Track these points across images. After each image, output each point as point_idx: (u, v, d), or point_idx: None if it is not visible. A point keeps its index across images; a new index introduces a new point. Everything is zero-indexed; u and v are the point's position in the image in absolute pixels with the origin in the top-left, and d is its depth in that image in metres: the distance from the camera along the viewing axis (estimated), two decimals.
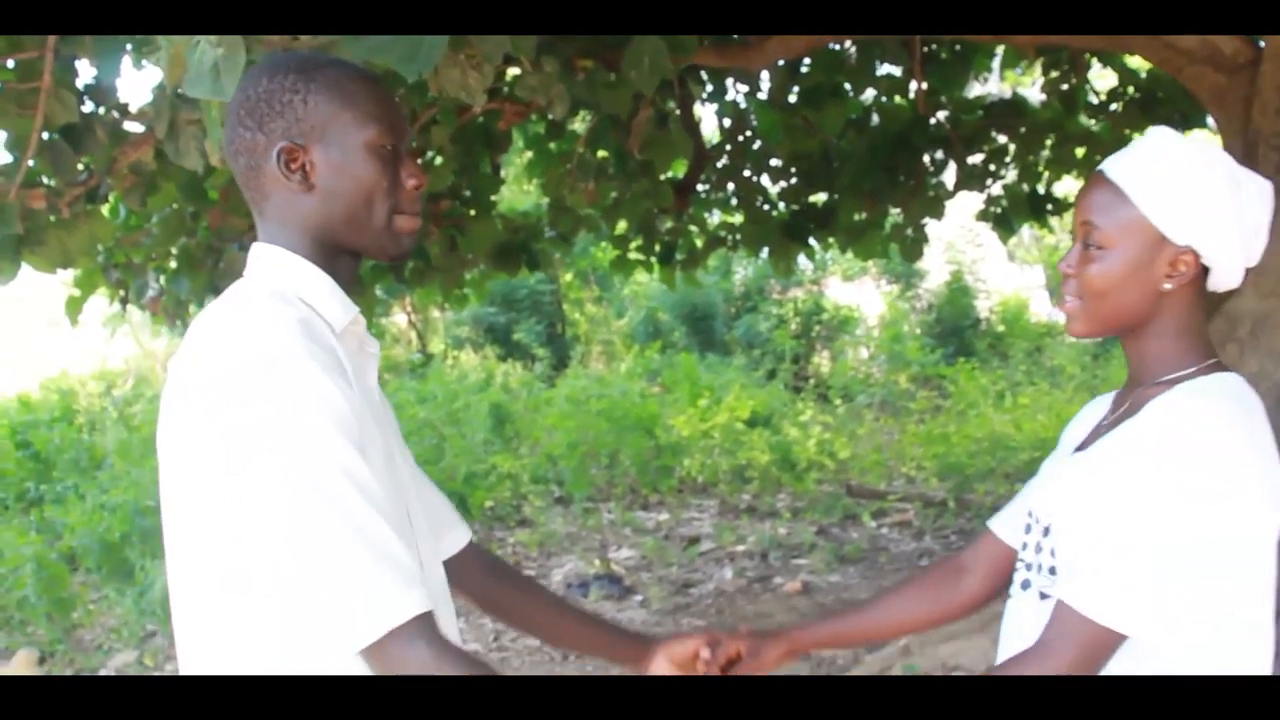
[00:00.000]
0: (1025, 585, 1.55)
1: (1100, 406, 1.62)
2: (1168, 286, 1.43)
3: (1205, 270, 1.43)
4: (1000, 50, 5.87)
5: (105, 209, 4.04)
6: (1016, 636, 1.53)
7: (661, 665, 1.73)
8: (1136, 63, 5.61)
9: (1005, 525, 1.71)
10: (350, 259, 1.43)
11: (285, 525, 1.18)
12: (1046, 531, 1.49)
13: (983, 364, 11.83)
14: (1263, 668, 1.40)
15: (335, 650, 1.19)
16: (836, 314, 14.21)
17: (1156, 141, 1.43)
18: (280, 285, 1.35)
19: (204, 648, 1.29)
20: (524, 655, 5.07)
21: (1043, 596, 1.48)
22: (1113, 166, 1.44)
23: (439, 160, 4.81)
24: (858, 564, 6.34)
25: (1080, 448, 1.55)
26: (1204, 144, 1.44)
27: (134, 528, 6.14)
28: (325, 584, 1.18)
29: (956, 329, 13.70)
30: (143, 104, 3.29)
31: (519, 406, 9.86)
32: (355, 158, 1.36)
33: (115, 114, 3.35)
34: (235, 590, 1.24)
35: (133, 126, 3.43)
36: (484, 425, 8.97)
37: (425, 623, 1.21)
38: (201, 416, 1.22)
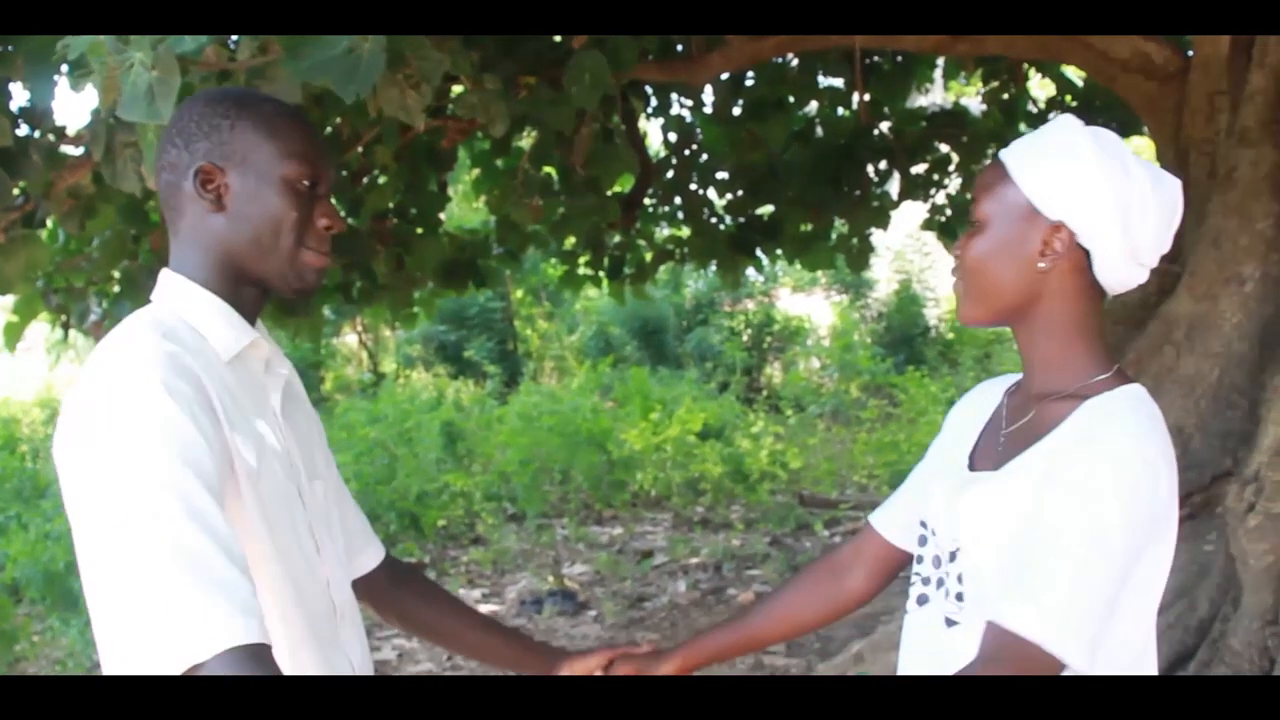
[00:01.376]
0: (922, 600, 1.51)
1: (987, 402, 1.56)
2: (1042, 265, 1.37)
3: (1088, 257, 1.37)
4: (941, 61, 5.95)
5: (43, 233, 3.99)
6: (919, 655, 1.50)
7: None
8: (1074, 72, 5.71)
9: (890, 525, 1.67)
10: (254, 290, 1.45)
11: (115, 548, 1.16)
12: (953, 556, 1.44)
13: (932, 371, 11.93)
14: (1150, 666, 1.41)
15: (159, 670, 1.13)
16: (787, 325, 14.28)
17: (1052, 124, 1.42)
18: (169, 312, 1.38)
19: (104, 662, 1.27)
20: (478, 673, 5.04)
21: (949, 623, 1.43)
22: (1006, 149, 1.43)
23: (383, 179, 4.80)
24: None
25: (975, 459, 1.50)
26: (1104, 134, 1.39)
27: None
28: (147, 605, 1.14)
29: (906, 337, 13.82)
30: (79, 127, 3.26)
31: (471, 424, 9.82)
32: (270, 188, 1.39)
33: (51, 137, 3.31)
34: (95, 609, 1.22)
35: (70, 150, 3.39)
36: (436, 444, 8.92)
37: (254, 654, 1.15)
38: (62, 446, 1.25)
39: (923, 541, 1.53)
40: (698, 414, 9.43)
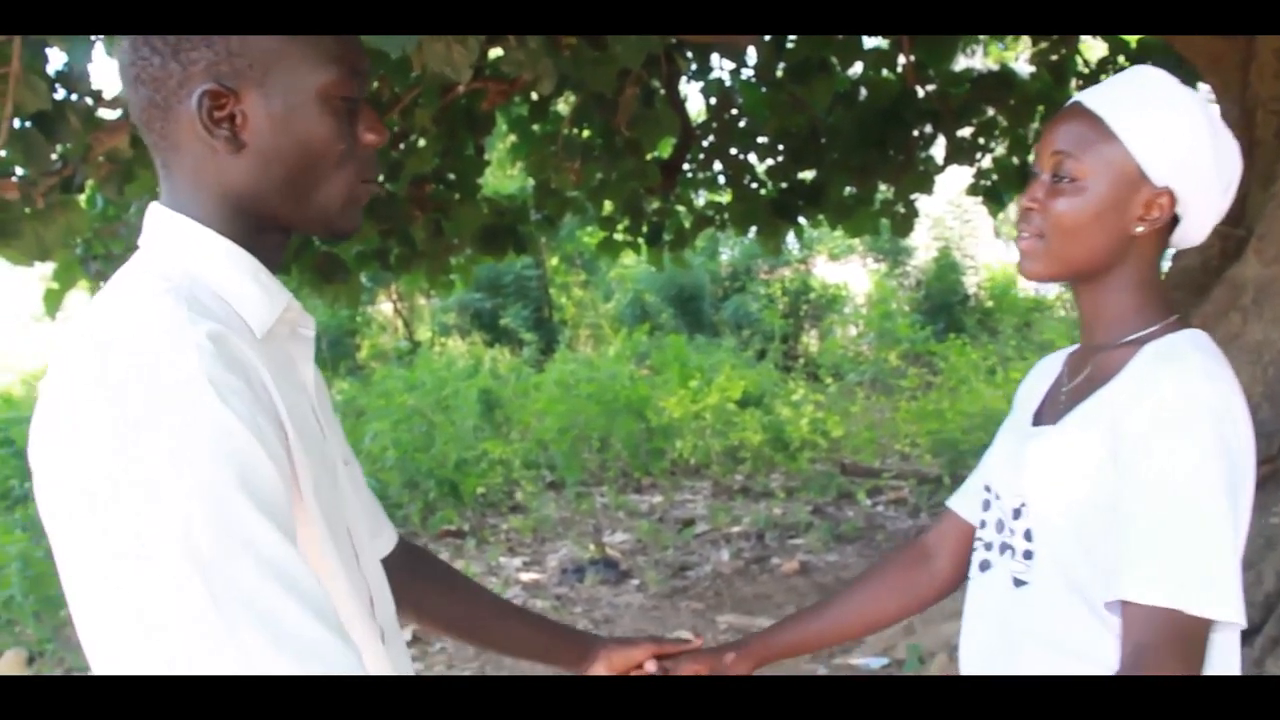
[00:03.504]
0: (985, 566, 1.44)
1: (1050, 369, 1.51)
2: (1139, 230, 1.31)
3: (1175, 220, 1.34)
4: None
5: (81, 199, 3.95)
6: (985, 621, 1.43)
7: (600, 672, 1.54)
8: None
9: (967, 504, 1.59)
10: (279, 234, 1.11)
11: (173, 611, 0.85)
12: (1017, 513, 1.37)
13: (972, 339, 11.80)
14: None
15: None
16: (824, 292, 14.18)
17: (1142, 76, 1.33)
18: (184, 273, 1.02)
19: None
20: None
21: (1018, 583, 1.36)
22: (1093, 97, 1.33)
23: (422, 143, 4.73)
24: (854, 543, 6.30)
25: (1039, 418, 1.44)
26: (1195, 92, 1.34)
27: None
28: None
29: (945, 305, 13.68)
30: (117, 90, 3.21)
31: (508, 392, 9.79)
32: (304, 110, 1.04)
33: (89, 100, 3.27)
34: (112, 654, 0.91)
35: (107, 113, 3.35)
36: (473, 412, 8.91)
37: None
38: (61, 463, 0.91)
39: (985, 506, 1.47)
40: (737, 381, 9.37)
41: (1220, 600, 1.18)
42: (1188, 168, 1.29)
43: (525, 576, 5.98)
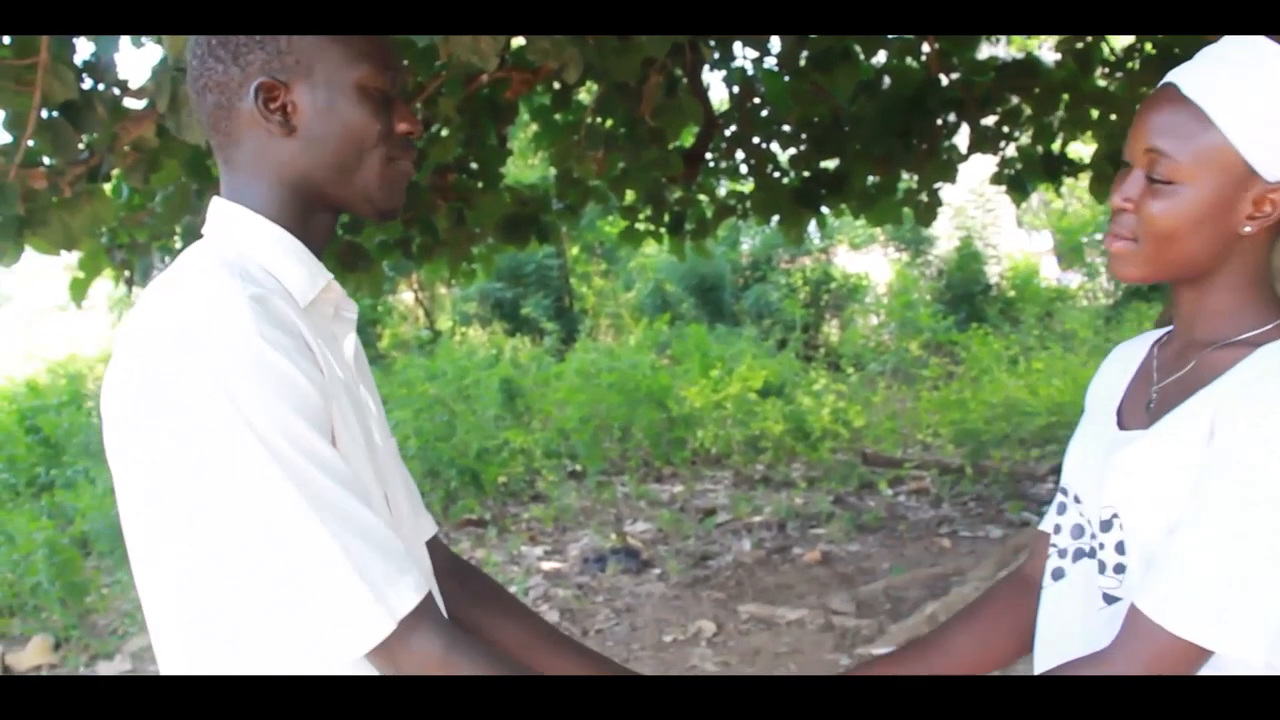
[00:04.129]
0: (1058, 575, 1.35)
1: (1128, 360, 1.40)
2: (1248, 229, 1.19)
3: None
4: None
5: (108, 188, 3.97)
6: (1065, 638, 1.33)
7: None
8: None
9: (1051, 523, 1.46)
10: (328, 216, 1.28)
11: (258, 522, 1.07)
12: (1106, 525, 1.27)
13: (994, 329, 11.74)
14: None
15: (334, 657, 1.08)
16: (845, 282, 14.12)
17: (1246, 52, 1.17)
18: (237, 253, 1.19)
19: (179, 650, 1.18)
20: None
21: (1109, 599, 1.26)
22: (1189, 80, 1.18)
23: (445, 132, 4.73)
24: (876, 533, 6.29)
25: (1122, 416, 1.33)
26: None
27: None
28: (311, 582, 1.07)
29: (967, 295, 13.61)
30: (144, 80, 3.22)
31: (529, 381, 9.81)
32: (345, 98, 1.21)
33: (115, 90, 3.28)
34: (203, 592, 1.12)
35: (133, 103, 3.36)
36: (494, 401, 8.93)
37: (427, 609, 1.11)
38: (148, 411, 1.09)
39: (1061, 509, 1.38)
40: (758, 371, 9.36)
41: (1228, 635, 1.12)
42: None
43: (546, 565, 5.99)
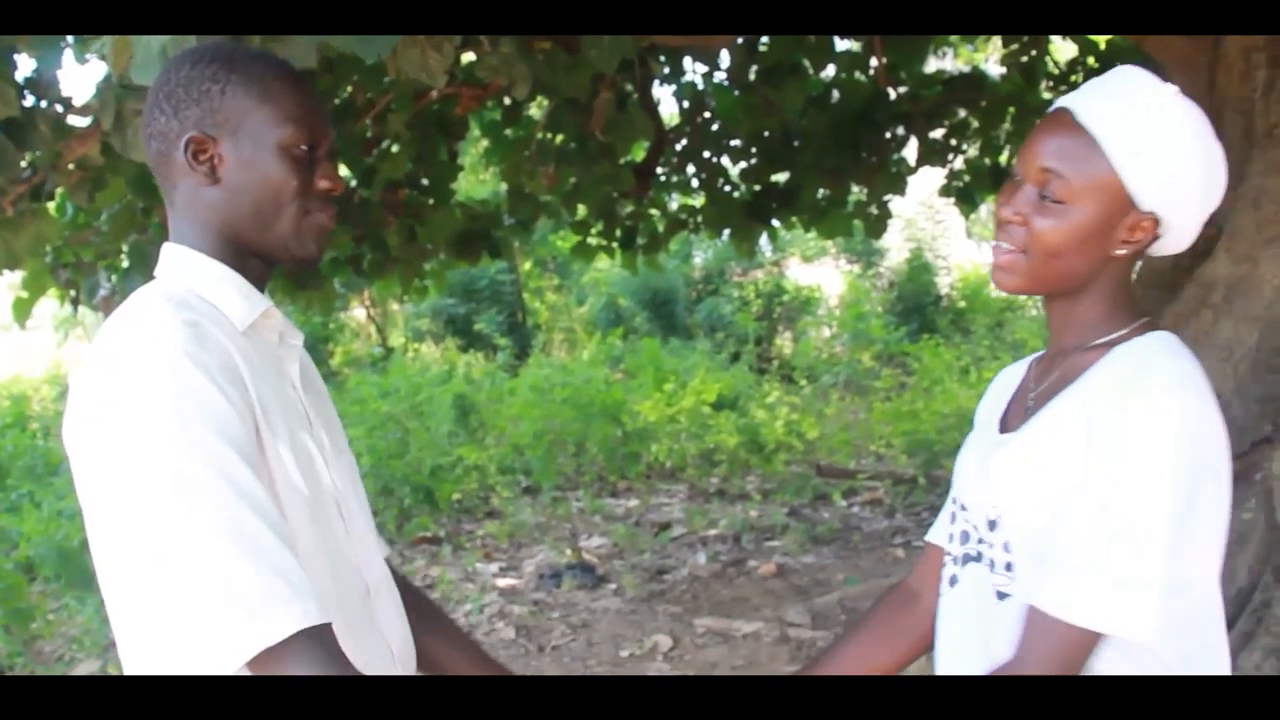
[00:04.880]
0: (954, 581, 1.41)
1: (1012, 378, 1.49)
2: (1121, 252, 1.30)
3: (1154, 238, 1.31)
4: None
5: (51, 207, 3.91)
6: (964, 638, 1.39)
7: None
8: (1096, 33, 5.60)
9: (942, 532, 1.52)
10: (259, 262, 1.37)
11: (158, 534, 1.11)
12: (993, 525, 1.34)
13: (946, 340, 11.86)
14: (1221, 634, 1.33)
15: (214, 666, 1.09)
16: (798, 294, 14.21)
17: (1132, 85, 1.27)
18: (179, 285, 1.31)
19: (128, 649, 1.24)
20: (499, 649, 5.00)
21: (1001, 596, 1.33)
22: (1083, 108, 1.27)
23: (395, 148, 4.72)
24: (831, 544, 6.31)
25: (1005, 426, 1.41)
26: (1193, 106, 1.28)
27: None
28: (206, 591, 1.10)
29: (918, 306, 13.74)
30: (88, 97, 3.18)
31: (482, 397, 9.76)
32: (266, 156, 1.31)
33: (59, 107, 3.24)
34: (126, 598, 1.20)
35: (77, 120, 3.31)
36: (448, 417, 8.87)
37: (314, 638, 1.12)
38: (78, 427, 1.19)
39: (952, 519, 1.45)
40: (711, 384, 9.38)
41: (1120, 620, 1.19)
42: (1176, 190, 1.26)
43: (502, 582, 5.96)
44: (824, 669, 1.57)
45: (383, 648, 1.37)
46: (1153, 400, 1.20)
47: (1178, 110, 1.26)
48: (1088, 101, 1.28)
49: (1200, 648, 1.31)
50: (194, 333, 1.19)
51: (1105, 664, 1.25)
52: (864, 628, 1.59)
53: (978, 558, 1.37)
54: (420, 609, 1.56)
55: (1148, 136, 1.24)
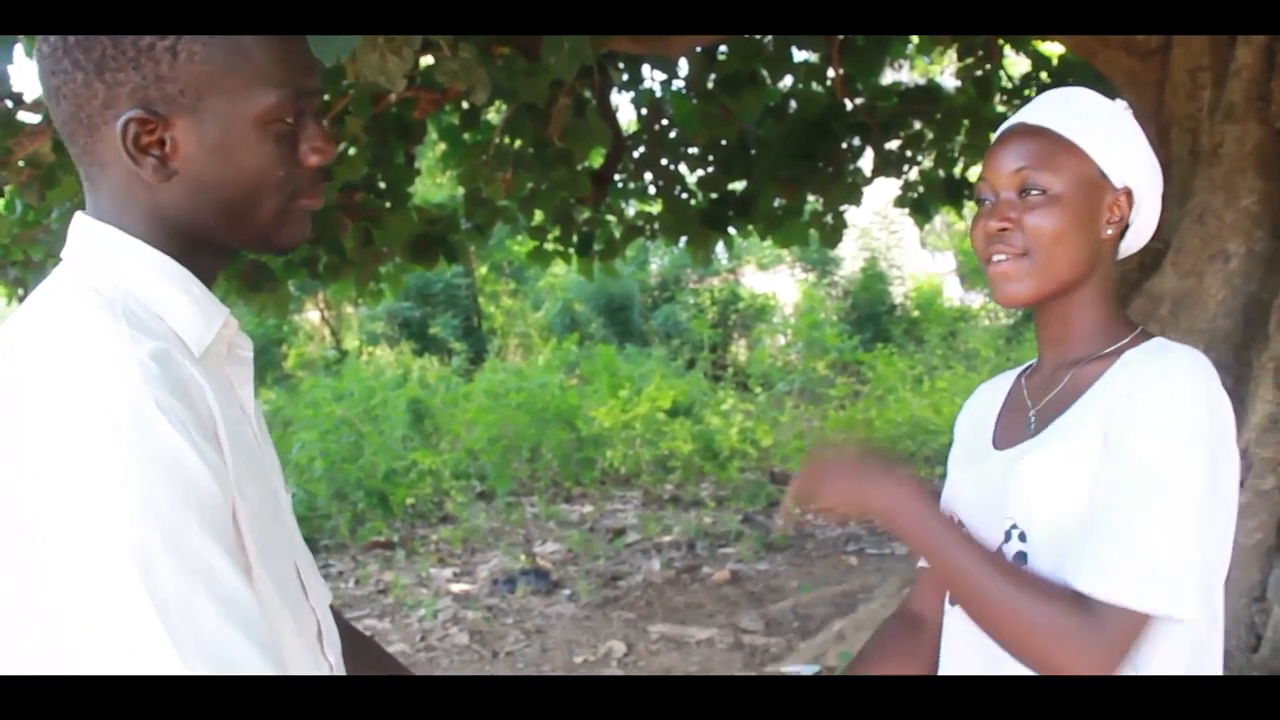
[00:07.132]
0: (954, 600, 1.39)
1: (994, 393, 1.49)
2: (1108, 232, 1.33)
3: (1126, 225, 1.35)
4: (915, 37, 5.90)
5: (0, 204, 3.87)
6: (973, 652, 1.36)
7: None
8: (1049, 48, 5.68)
9: None
10: (215, 254, 1.06)
11: (107, 644, 0.82)
12: (1006, 536, 1.32)
13: (899, 349, 11.95)
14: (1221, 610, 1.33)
15: None
16: (753, 302, 14.28)
17: (1075, 93, 1.37)
18: (114, 287, 0.96)
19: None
20: (452, 654, 4.98)
21: None
22: (1037, 115, 1.34)
23: (352, 151, 4.69)
24: (785, 551, 6.34)
25: (1001, 441, 1.40)
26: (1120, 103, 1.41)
27: None
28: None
29: (873, 315, 13.85)
30: (38, 94, 3.15)
31: (437, 401, 9.73)
32: (239, 137, 0.99)
33: (9, 103, 3.20)
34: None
35: (28, 117, 3.28)
36: (402, 421, 8.83)
37: None
38: (13, 486, 0.85)
39: None
40: (666, 391, 9.40)
41: (1165, 596, 1.18)
42: (1141, 167, 1.33)
43: (456, 588, 5.94)
44: None
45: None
46: (1177, 381, 1.23)
47: (1116, 106, 1.36)
48: (1038, 111, 1.35)
49: (1210, 622, 1.30)
50: (163, 371, 0.88)
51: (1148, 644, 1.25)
52: (879, 660, 1.55)
53: None
54: (364, 653, 1.35)
55: (1106, 123, 1.33)
